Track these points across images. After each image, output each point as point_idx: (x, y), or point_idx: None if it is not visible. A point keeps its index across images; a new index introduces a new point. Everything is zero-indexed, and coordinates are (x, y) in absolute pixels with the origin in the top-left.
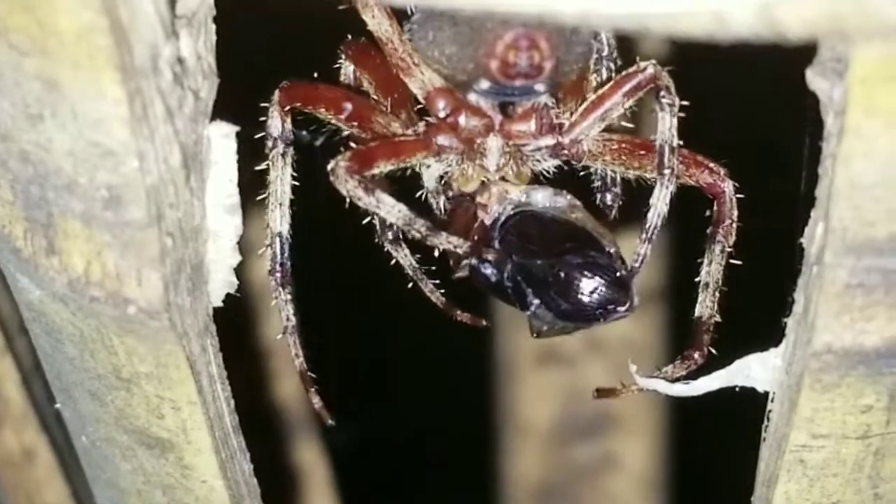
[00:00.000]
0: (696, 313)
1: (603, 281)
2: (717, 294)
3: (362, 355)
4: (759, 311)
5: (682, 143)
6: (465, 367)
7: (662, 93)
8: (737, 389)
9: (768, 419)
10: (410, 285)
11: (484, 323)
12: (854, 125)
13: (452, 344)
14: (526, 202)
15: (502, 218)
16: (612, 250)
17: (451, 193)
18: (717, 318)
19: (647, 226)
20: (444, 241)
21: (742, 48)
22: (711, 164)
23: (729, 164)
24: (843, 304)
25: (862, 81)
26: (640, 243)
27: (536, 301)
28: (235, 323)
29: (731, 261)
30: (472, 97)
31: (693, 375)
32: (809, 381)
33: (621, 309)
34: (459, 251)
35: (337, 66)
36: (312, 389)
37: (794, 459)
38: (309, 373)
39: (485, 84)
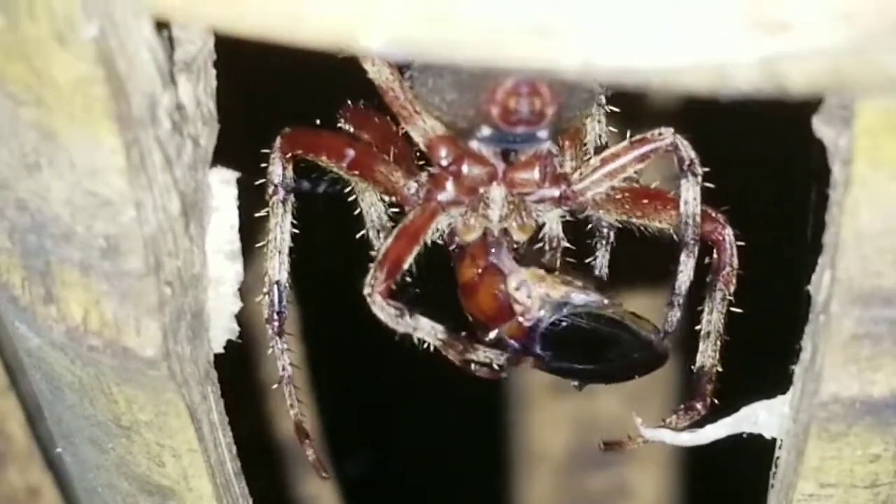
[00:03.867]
0: (698, 363)
1: (644, 369)
2: (719, 343)
3: (375, 384)
4: (762, 357)
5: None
6: (479, 395)
7: (687, 163)
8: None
9: (776, 466)
10: None
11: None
12: (860, 175)
13: (466, 372)
14: (565, 303)
15: (543, 325)
16: (651, 338)
17: (454, 246)
18: (719, 368)
19: (675, 294)
20: (482, 356)
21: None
22: (711, 212)
23: (735, 210)
24: (850, 354)
25: (867, 132)
26: (669, 310)
27: (577, 382)
28: (241, 355)
29: (732, 309)
30: (474, 145)
31: (699, 422)
32: (816, 430)
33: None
34: (496, 365)
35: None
36: (307, 441)
37: None
38: (304, 423)
39: (486, 131)
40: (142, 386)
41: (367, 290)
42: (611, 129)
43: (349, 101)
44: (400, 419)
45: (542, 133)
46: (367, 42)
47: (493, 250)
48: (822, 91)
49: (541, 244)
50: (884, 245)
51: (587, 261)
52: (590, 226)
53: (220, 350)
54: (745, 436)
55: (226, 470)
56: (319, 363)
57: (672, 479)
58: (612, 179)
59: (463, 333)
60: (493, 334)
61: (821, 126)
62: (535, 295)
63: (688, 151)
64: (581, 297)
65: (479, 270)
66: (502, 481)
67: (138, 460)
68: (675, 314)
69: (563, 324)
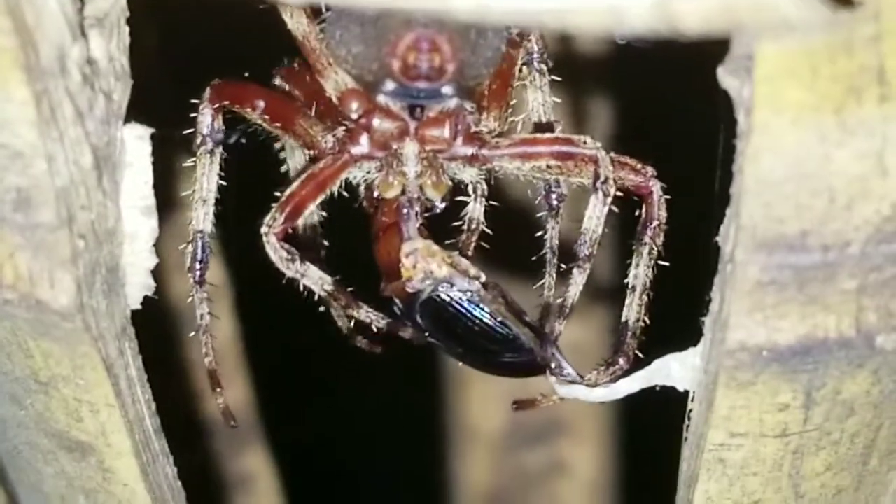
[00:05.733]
0: (623, 317)
1: (521, 372)
2: (645, 298)
3: (310, 358)
4: (680, 311)
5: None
6: (414, 372)
7: (602, 180)
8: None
9: (688, 419)
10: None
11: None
12: (762, 122)
13: (401, 349)
14: (446, 286)
15: (422, 297)
16: (528, 345)
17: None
18: (645, 322)
19: (564, 304)
20: (364, 315)
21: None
22: (638, 165)
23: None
24: (756, 302)
25: (767, 78)
26: (555, 320)
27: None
28: (180, 330)
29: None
30: (381, 99)
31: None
32: (725, 379)
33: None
34: (375, 327)
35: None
36: (219, 390)
37: (714, 458)
38: (217, 372)
39: (390, 85)
40: (57, 340)
41: (263, 230)
42: (555, 99)
43: (286, 60)
44: (335, 394)
45: (447, 89)
46: None
47: (404, 212)
48: (714, 32)
49: (459, 223)
50: (786, 191)
51: (538, 234)
52: (539, 198)
53: (138, 306)
54: (685, 400)
55: (144, 426)
56: (254, 336)
57: (608, 455)
58: (524, 163)
59: (350, 289)
60: (386, 289)
61: (725, 76)
62: (420, 267)
63: (606, 169)
64: (463, 284)
65: (385, 226)
66: (438, 457)
67: (57, 416)
68: (560, 326)
69: (442, 301)
